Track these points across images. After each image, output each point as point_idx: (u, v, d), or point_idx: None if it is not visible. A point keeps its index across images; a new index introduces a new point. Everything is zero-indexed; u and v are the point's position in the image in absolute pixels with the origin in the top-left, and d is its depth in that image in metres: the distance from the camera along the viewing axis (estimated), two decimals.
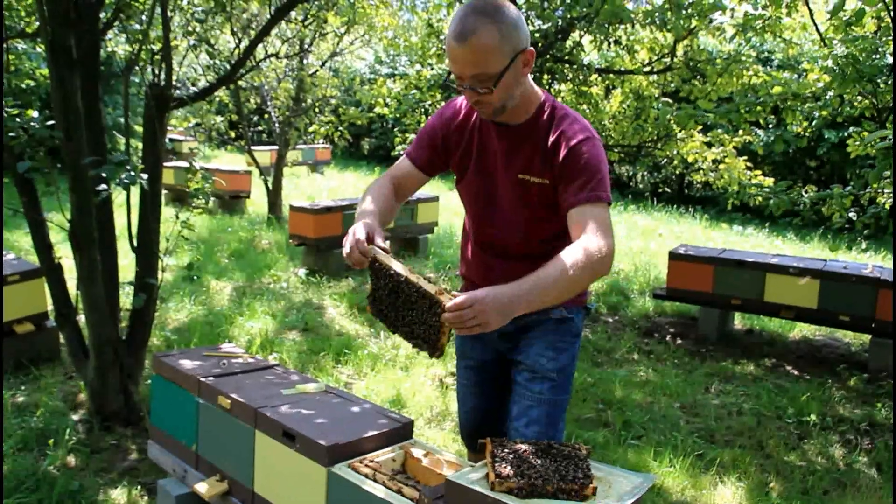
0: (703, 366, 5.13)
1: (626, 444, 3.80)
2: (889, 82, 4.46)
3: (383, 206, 2.10)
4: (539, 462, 1.79)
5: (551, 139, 1.99)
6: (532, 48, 1.93)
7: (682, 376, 4.88)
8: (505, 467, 1.75)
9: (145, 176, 3.17)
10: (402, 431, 2.30)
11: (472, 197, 2.19)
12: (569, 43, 5.77)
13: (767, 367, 5.21)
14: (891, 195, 4.44)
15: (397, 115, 6.90)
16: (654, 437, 3.90)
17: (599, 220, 1.87)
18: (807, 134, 5.91)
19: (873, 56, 4.64)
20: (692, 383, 4.75)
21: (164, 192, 10.54)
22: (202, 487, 2.46)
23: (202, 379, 2.56)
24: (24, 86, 4.69)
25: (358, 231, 1.89)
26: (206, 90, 3.89)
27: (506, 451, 1.83)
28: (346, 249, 1.90)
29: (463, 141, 2.14)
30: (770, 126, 12.10)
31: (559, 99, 4.28)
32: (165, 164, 10.54)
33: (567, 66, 5.87)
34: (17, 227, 8.13)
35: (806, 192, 4.98)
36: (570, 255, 1.80)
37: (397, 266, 1.88)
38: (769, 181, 6.06)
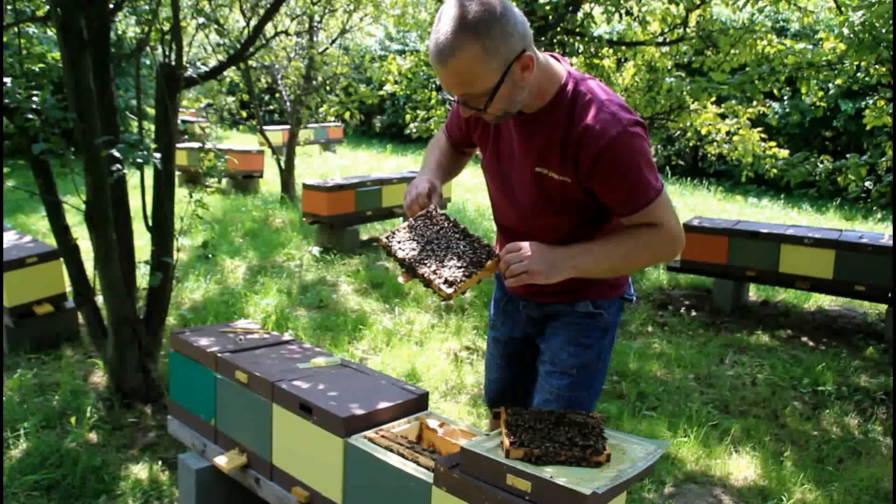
0: (718, 337, 5.12)
1: (640, 415, 3.82)
2: None
3: (444, 160, 2.14)
4: (553, 430, 1.80)
5: (574, 133, 1.76)
6: (530, 53, 1.68)
7: (697, 348, 4.89)
8: (519, 435, 1.76)
9: (158, 155, 3.18)
10: (417, 403, 2.33)
11: (490, 179, 2.07)
12: (579, 15, 5.71)
13: (782, 338, 5.20)
14: None
15: (407, 93, 6.88)
16: (668, 407, 3.91)
17: (655, 215, 1.79)
18: (822, 104, 5.83)
19: (890, 22, 4.56)
20: (706, 355, 4.76)
21: (177, 172, 10.61)
22: (222, 461, 2.50)
23: (219, 354, 2.59)
24: (36, 69, 4.70)
25: (419, 187, 1.98)
26: (217, 69, 3.90)
27: (521, 419, 1.85)
28: (406, 200, 1.99)
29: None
30: (785, 98, 11.96)
31: None
32: (178, 145, 10.59)
33: (578, 38, 5.82)
34: (34, 210, 8.22)
35: (822, 162, 4.94)
36: (630, 235, 1.81)
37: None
38: (784, 153, 6.00)
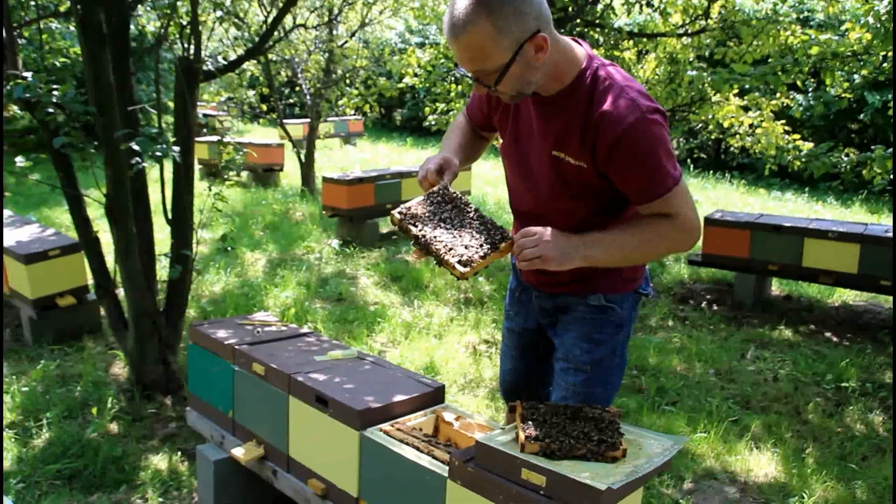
0: (740, 332, 5.07)
1: (659, 409, 3.78)
2: None
3: (464, 141, 2.14)
4: (569, 425, 1.79)
5: (592, 118, 1.74)
6: (545, 34, 1.66)
7: (718, 343, 4.84)
8: (535, 429, 1.75)
9: (177, 149, 3.20)
10: (433, 396, 2.32)
11: (509, 162, 2.05)
12: (599, 6, 5.66)
13: (806, 333, 5.13)
14: None
15: (426, 85, 6.86)
16: (688, 402, 3.88)
17: (673, 205, 1.77)
18: (847, 95, 5.74)
19: None
20: (728, 350, 4.71)
21: (198, 166, 10.70)
22: (239, 452, 2.51)
23: (237, 347, 2.60)
24: (58, 63, 4.75)
25: (432, 163, 1.98)
26: (235, 62, 3.91)
27: (536, 413, 1.84)
28: (419, 175, 2.00)
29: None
30: (810, 90, 11.78)
31: None
32: (199, 139, 10.67)
33: (598, 30, 5.76)
34: (58, 204, 8.32)
35: (847, 155, 4.85)
36: (645, 226, 1.79)
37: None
38: (808, 145, 5.91)
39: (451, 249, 1.81)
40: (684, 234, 1.82)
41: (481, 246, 1.82)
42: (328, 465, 2.24)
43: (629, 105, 1.71)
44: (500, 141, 2.07)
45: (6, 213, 5.16)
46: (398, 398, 2.22)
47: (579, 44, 1.84)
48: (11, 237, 4.51)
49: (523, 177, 1.99)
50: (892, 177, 3.83)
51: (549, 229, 1.76)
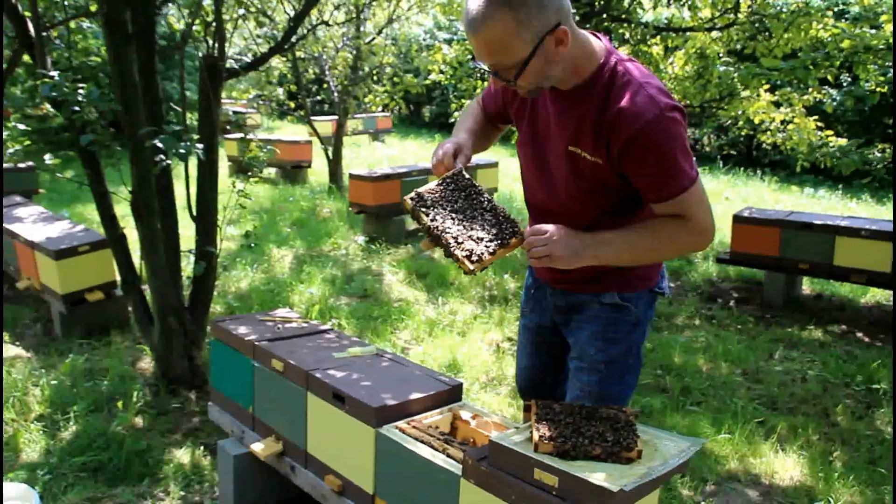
0: (768, 332, 4.98)
1: (683, 409, 3.74)
2: None
3: (476, 127, 2.13)
4: (584, 425, 1.77)
5: (608, 114, 1.71)
6: (565, 27, 1.64)
7: (745, 342, 4.76)
8: (549, 429, 1.74)
9: (201, 146, 3.23)
10: (451, 394, 2.31)
11: (524, 157, 2.04)
12: (626, 1, 5.59)
13: (836, 333, 5.03)
14: None
15: (453, 82, 6.85)
16: (713, 403, 3.82)
17: (687, 206, 1.74)
18: (881, 90, 5.60)
19: None
20: (755, 349, 4.63)
21: (227, 163, 10.81)
22: (258, 447, 2.53)
23: (257, 343, 2.62)
24: (90, 63, 4.83)
25: (445, 147, 1.97)
26: (258, 60, 3.94)
27: (551, 413, 1.82)
28: (433, 161, 1.98)
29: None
30: (844, 84, 11.54)
31: None
32: (228, 136, 10.77)
33: (625, 25, 5.70)
34: (90, 200, 8.44)
35: (882, 150, 4.73)
36: (657, 226, 1.78)
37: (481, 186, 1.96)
38: (841, 141, 5.78)
39: (460, 243, 1.79)
40: (696, 237, 1.80)
41: (491, 241, 1.80)
42: (345, 462, 2.25)
43: (647, 102, 1.67)
44: (517, 132, 2.05)
45: (38, 209, 5.26)
46: (415, 396, 2.21)
47: (598, 38, 1.82)
48: (42, 233, 4.60)
49: (539, 172, 1.97)
50: (893, 175, 3.73)
51: (559, 227, 1.75)
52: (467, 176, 1.95)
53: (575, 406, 1.87)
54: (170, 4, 4.01)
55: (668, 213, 1.78)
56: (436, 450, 1.97)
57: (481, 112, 2.19)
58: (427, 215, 1.86)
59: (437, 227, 1.83)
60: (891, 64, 5.03)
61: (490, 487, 1.74)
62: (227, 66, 3.57)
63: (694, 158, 1.76)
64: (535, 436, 1.72)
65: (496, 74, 1.73)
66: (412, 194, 1.92)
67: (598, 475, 1.59)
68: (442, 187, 1.93)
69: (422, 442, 2.02)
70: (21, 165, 7.12)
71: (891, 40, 4.84)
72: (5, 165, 7.16)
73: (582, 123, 1.78)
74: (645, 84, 1.71)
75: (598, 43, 1.80)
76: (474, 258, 1.76)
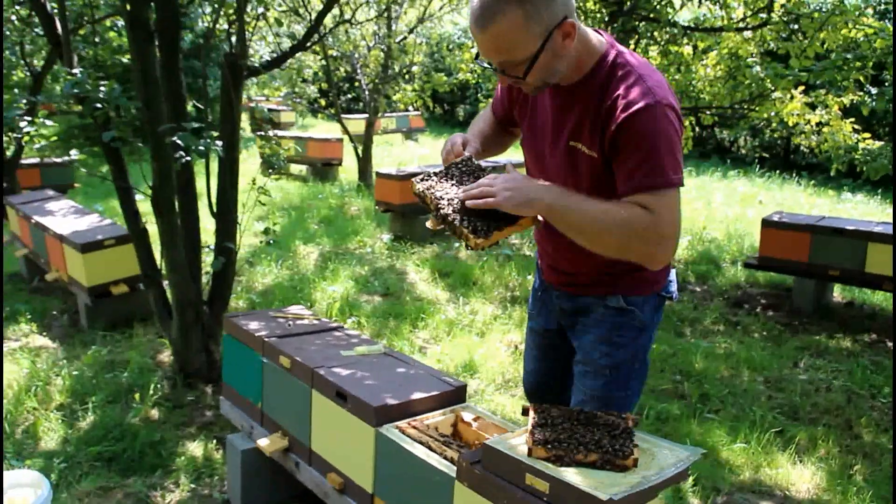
0: (795, 339, 4.88)
1: (700, 417, 3.67)
2: None
3: (487, 131, 2.12)
4: (580, 431, 1.75)
5: (605, 104, 1.69)
6: (572, 20, 1.63)
7: (770, 349, 4.67)
8: (544, 434, 1.72)
9: (220, 143, 3.26)
10: (454, 395, 2.30)
11: (527, 154, 2.02)
12: (655, 0, 5.52)
13: (866, 342, 4.90)
14: None
15: (480, 81, 6.83)
16: (731, 411, 3.75)
17: (656, 204, 1.63)
18: None
19: None
20: (780, 357, 4.54)
21: (259, 160, 10.91)
22: (264, 443, 2.55)
23: (266, 339, 2.64)
24: (118, 60, 4.91)
25: (455, 139, 2.00)
26: (279, 58, 3.96)
27: (548, 418, 1.80)
28: (442, 153, 2.00)
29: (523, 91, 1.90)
30: (886, 84, 11.24)
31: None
32: (259, 133, 10.88)
33: (654, 24, 5.62)
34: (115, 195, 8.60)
35: None
36: (617, 205, 1.66)
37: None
38: (878, 144, 5.62)
39: (468, 220, 1.75)
40: (651, 236, 1.65)
41: (499, 217, 1.76)
42: (346, 461, 2.26)
43: (643, 92, 1.65)
44: (521, 131, 2.05)
45: (69, 203, 5.37)
46: (417, 396, 2.21)
47: (599, 33, 1.81)
48: (70, 226, 4.69)
49: (539, 168, 1.96)
50: (893, 175, 3.61)
51: (518, 173, 1.77)
52: (476, 162, 1.94)
53: (573, 411, 1.84)
54: (195, 3, 4.07)
55: (637, 203, 1.66)
56: (433, 451, 1.97)
57: (492, 116, 2.18)
58: (435, 195, 1.84)
59: (449, 211, 1.79)
60: None
61: (482, 491, 1.73)
62: (249, 64, 3.60)
63: (682, 167, 1.68)
64: (530, 440, 1.70)
65: (503, 72, 1.71)
66: (420, 175, 1.91)
67: (590, 483, 1.56)
68: (451, 171, 1.92)
69: (420, 443, 2.02)
70: (57, 160, 7.29)
71: None
72: (40, 160, 7.33)
73: (582, 117, 1.77)
74: (644, 75, 1.69)
75: (598, 37, 1.78)
76: (480, 233, 1.73)
